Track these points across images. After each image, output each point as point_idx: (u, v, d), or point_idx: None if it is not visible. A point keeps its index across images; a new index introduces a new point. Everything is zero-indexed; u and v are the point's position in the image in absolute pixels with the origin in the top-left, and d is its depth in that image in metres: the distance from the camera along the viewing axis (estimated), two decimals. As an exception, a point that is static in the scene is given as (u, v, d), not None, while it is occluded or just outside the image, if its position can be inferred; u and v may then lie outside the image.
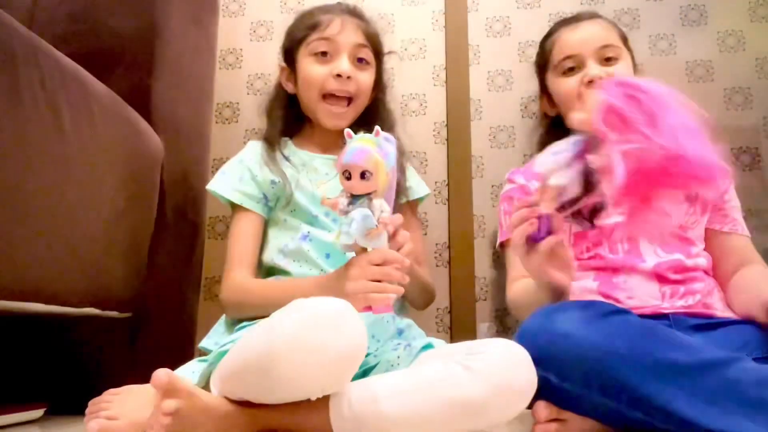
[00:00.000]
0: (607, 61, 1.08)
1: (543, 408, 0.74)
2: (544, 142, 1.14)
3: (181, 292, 1.03)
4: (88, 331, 1.01)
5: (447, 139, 1.37)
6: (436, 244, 1.33)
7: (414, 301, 1.06)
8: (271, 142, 1.05)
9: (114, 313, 0.96)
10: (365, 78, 1.05)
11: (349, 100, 1.04)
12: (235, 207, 1.02)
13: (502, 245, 1.13)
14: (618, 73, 1.06)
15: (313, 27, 1.03)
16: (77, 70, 0.86)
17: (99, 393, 0.88)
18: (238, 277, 0.96)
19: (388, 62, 1.15)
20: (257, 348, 0.63)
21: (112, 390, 0.78)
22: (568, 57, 1.10)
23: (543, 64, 1.17)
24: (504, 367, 0.65)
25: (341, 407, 0.65)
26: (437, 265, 1.32)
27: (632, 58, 1.13)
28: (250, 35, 1.44)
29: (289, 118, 1.10)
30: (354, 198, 0.75)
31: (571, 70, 1.10)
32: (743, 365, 0.65)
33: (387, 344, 0.88)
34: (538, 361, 0.70)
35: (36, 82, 0.75)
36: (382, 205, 0.75)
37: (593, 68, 1.06)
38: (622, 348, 0.68)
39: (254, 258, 0.99)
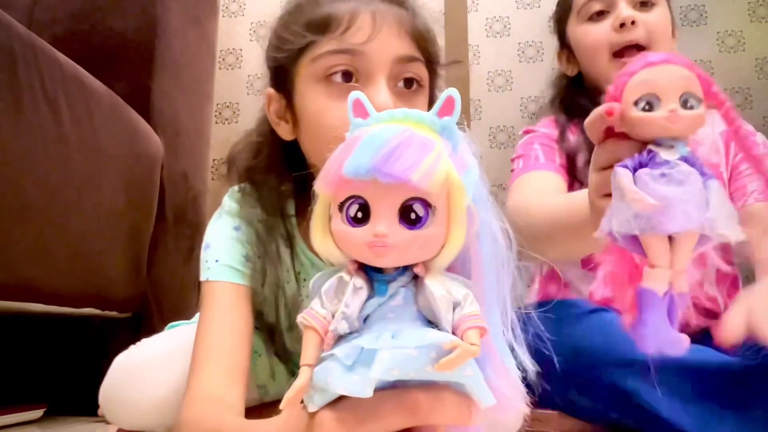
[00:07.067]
0: (643, 5, 0.93)
1: None
2: (564, 107, 1.00)
3: (181, 292, 1.03)
4: (89, 331, 1.01)
5: (447, 139, 1.37)
6: (436, 244, 1.33)
7: None
8: (270, 231, 0.64)
9: (114, 313, 0.96)
10: None
11: None
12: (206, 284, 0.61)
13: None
14: (653, 21, 0.92)
15: (323, 27, 0.57)
16: (77, 70, 0.86)
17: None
18: (209, 398, 0.51)
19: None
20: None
21: None
22: None
23: (563, 13, 1.02)
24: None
25: None
26: (437, 265, 1.31)
27: (670, 8, 0.97)
28: (250, 35, 1.44)
29: (288, 180, 0.65)
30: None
31: (599, 15, 0.94)
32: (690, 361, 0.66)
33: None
34: None
35: (36, 82, 0.75)
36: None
37: (625, 9, 0.91)
38: (596, 346, 0.68)
39: (241, 361, 0.55)
